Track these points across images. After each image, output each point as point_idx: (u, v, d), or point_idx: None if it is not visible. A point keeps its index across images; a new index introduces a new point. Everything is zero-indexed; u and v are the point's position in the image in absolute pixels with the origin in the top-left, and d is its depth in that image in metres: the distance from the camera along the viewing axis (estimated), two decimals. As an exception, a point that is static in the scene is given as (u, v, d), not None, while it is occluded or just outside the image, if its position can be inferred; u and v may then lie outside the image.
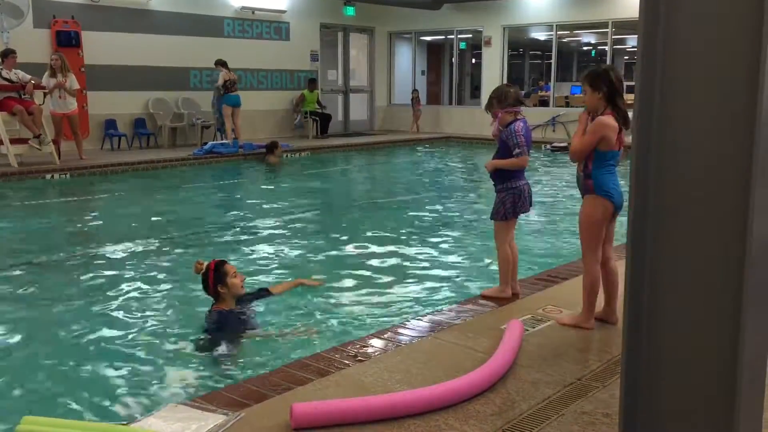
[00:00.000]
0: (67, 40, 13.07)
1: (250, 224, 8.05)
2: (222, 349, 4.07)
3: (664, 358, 2.11)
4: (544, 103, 19.72)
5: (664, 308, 2.09)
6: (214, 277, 4.34)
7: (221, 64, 13.97)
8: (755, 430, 2.05)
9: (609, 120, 3.78)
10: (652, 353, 2.13)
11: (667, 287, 2.08)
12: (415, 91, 19.44)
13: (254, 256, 6.38)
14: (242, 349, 4.13)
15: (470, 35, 20.10)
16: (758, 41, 1.83)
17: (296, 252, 6.63)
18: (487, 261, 6.18)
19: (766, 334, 2.05)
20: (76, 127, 11.97)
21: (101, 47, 13.58)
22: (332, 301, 4.97)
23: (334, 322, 4.55)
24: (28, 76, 11.23)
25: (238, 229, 7.77)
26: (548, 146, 15.78)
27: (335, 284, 5.38)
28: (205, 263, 4.41)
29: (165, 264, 6.17)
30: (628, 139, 2.23)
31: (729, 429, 1.96)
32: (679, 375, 2.08)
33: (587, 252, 3.95)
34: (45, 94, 11.56)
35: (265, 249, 6.66)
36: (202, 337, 4.33)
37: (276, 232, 7.60)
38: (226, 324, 4.28)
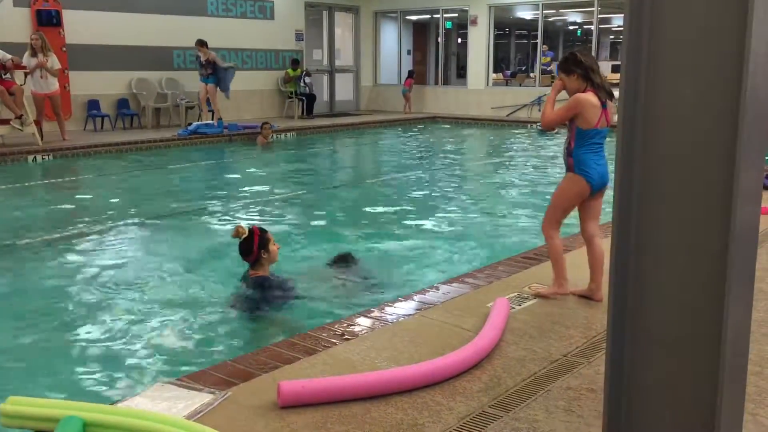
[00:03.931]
0: (48, 19, 12.87)
1: (236, 204, 8.02)
2: (259, 311, 4.25)
3: (648, 334, 2.13)
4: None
5: (649, 284, 2.11)
6: (260, 241, 4.39)
7: (205, 44, 13.80)
8: (738, 403, 2.08)
9: (588, 97, 3.78)
10: (636, 329, 2.15)
11: (651, 264, 2.09)
12: (411, 71, 19.40)
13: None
14: (277, 314, 4.31)
15: (456, 14, 20.00)
16: (744, 21, 1.83)
17: (284, 230, 6.61)
18: (473, 240, 6.21)
19: (749, 309, 2.07)
20: (58, 107, 11.83)
21: (83, 26, 13.38)
22: (318, 280, 4.97)
23: (320, 300, 4.56)
24: (9, 56, 11.06)
25: (223, 209, 7.73)
26: (535, 125, 15.78)
27: (321, 263, 5.37)
28: (247, 228, 4.44)
29: (151, 244, 6.15)
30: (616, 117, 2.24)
31: (713, 403, 1.98)
32: (663, 350, 2.10)
33: (546, 221, 4.06)
34: (26, 74, 11.40)
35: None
36: (188, 315, 4.33)
37: (263, 211, 7.57)
38: (270, 287, 4.41)
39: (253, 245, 4.40)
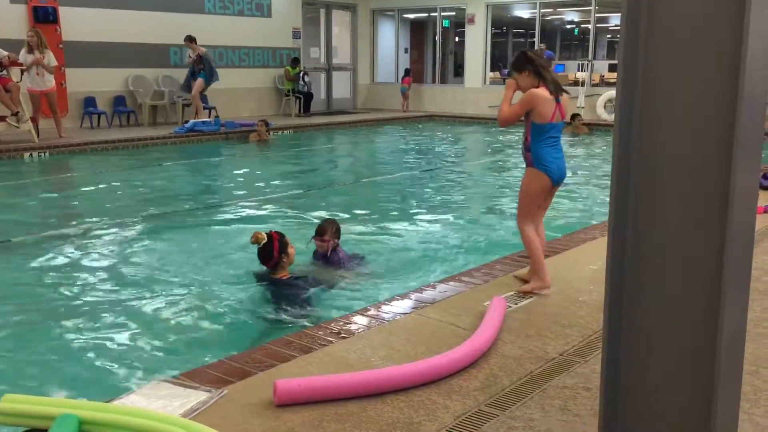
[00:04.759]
0: (44, 16, 12.83)
1: (233, 202, 8.00)
2: (302, 310, 4.32)
3: (644, 334, 2.13)
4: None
5: (644, 284, 2.11)
6: (279, 246, 4.46)
7: (194, 39, 13.77)
8: (734, 403, 2.08)
9: (541, 92, 3.95)
10: (632, 329, 2.15)
11: (647, 264, 2.10)
12: (408, 69, 19.39)
13: (238, 233, 6.35)
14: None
15: (453, 13, 19.99)
16: (740, 19, 1.83)
17: (281, 228, 6.60)
18: (470, 238, 6.21)
19: (744, 309, 2.07)
20: (55, 104, 11.81)
21: (79, 23, 13.35)
22: (314, 280, 4.96)
23: (316, 299, 4.55)
24: (5, 53, 11.03)
25: (221, 207, 7.72)
26: None
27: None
28: (265, 233, 4.48)
29: (146, 242, 6.13)
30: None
31: (709, 402, 1.99)
32: (659, 350, 2.10)
33: (520, 220, 4.20)
34: (22, 71, 11.37)
35: (248, 227, 6.62)
36: (184, 313, 4.33)
37: (259, 209, 7.56)
38: (307, 286, 4.52)
39: (274, 250, 4.45)
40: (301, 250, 5.25)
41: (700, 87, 1.95)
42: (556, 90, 3.97)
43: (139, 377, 3.50)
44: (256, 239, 4.44)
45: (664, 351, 2.10)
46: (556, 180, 4.08)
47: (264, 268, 4.61)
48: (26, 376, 3.59)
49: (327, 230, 5.06)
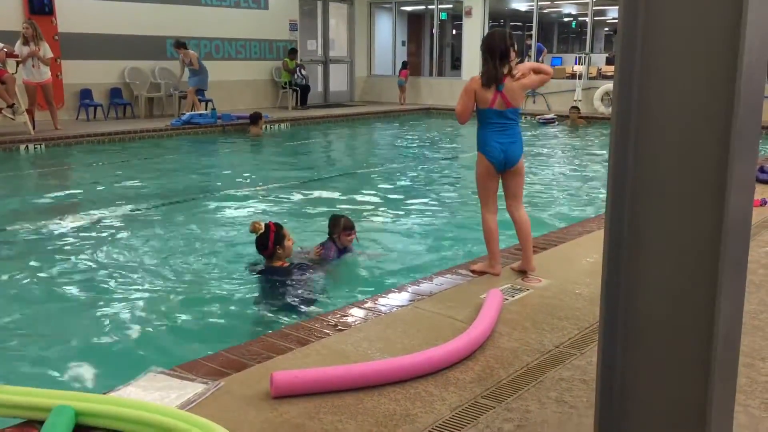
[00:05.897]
0: (40, 7, 12.77)
1: (230, 195, 8.00)
2: (290, 299, 4.34)
3: (640, 327, 2.13)
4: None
5: (640, 277, 2.11)
6: (275, 237, 4.51)
7: (183, 45, 13.70)
8: (729, 395, 2.09)
9: (476, 80, 4.10)
10: (627, 321, 2.15)
11: (643, 257, 2.10)
12: (405, 62, 19.33)
13: (233, 224, 6.35)
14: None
15: (451, 5, 19.94)
16: (739, 10, 1.83)
17: (277, 221, 6.59)
18: (467, 230, 6.21)
19: (740, 302, 2.08)
20: (51, 96, 11.76)
21: (75, 15, 13.29)
22: (312, 270, 4.96)
23: (314, 292, 4.55)
24: (0, 44, 10.99)
25: (217, 199, 7.71)
26: (537, 119, 15.71)
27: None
28: (263, 223, 4.53)
29: (143, 234, 6.12)
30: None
31: (704, 394, 1.99)
32: (655, 342, 2.11)
33: (481, 204, 4.30)
34: (18, 63, 11.33)
35: (245, 218, 6.62)
36: (181, 305, 4.32)
37: (256, 201, 7.56)
38: (297, 274, 4.56)
39: (269, 241, 4.50)
40: (302, 241, 5.26)
41: (698, 79, 1.95)
42: (488, 81, 4.04)
43: (136, 369, 3.49)
44: (254, 228, 4.52)
45: (659, 343, 2.10)
46: (498, 163, 4.13)
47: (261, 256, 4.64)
48: (22, 367, 3.59)
49: (353, 223, 5.11)
